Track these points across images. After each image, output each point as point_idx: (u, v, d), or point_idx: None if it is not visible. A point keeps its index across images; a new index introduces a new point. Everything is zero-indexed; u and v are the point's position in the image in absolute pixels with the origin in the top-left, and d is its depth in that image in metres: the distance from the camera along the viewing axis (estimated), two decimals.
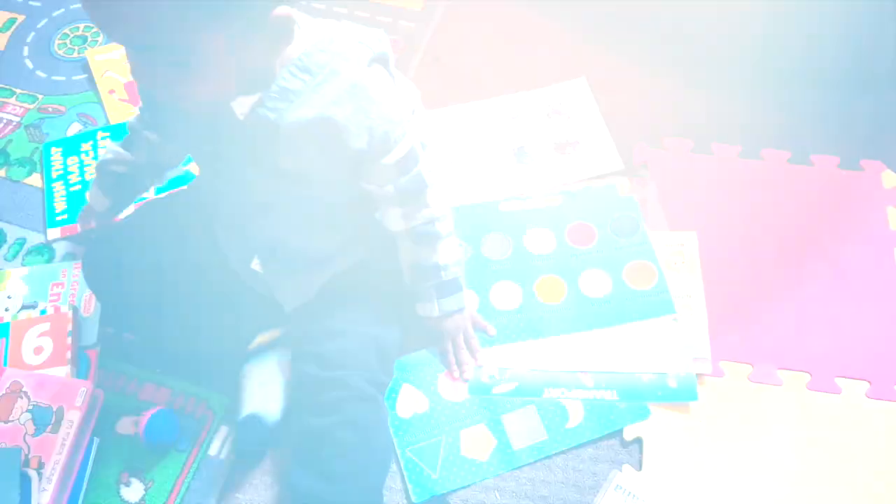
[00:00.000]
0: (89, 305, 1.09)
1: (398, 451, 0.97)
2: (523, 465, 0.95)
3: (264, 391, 0.97)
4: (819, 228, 1.11)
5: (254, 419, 0.95)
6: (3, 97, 1.34)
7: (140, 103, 1.01)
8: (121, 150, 1.03)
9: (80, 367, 1.04)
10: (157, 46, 0.71)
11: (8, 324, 1.06)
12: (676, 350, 1.01)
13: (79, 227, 1.12)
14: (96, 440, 0.98)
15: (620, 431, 0.97)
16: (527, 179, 1.19)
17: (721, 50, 1.24)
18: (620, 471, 0.94)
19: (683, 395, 0.98)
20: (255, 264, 0.97)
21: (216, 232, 0.99)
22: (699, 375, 0.99)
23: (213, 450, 0.98)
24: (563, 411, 0.98)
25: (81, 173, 1.23)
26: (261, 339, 1.02)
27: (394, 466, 0.96)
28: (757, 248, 1.10)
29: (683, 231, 1.11)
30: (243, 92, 0.79)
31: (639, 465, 0.95)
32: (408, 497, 0.94)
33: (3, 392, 0.97)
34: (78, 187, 1.21)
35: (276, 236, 0.94)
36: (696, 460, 0.95)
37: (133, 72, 0.76)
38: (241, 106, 0.79)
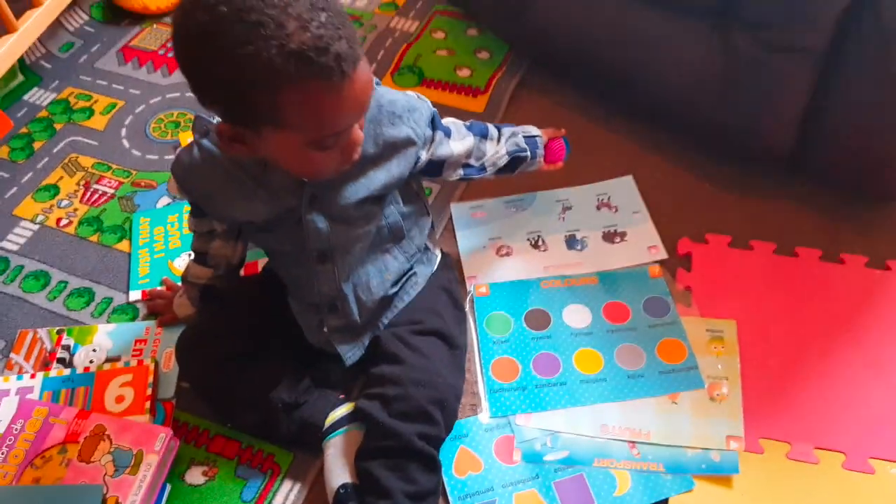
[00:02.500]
0: (169, 361, 1.17)
1: None
2: None
3: (349, 461, 1.00)
4: (851, 320, 1.18)
5: (349, 489, 0.98)
6: (101, 171, 1.47)
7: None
8: (200, 266, 1.11)
9: (157, 417, 1.11)
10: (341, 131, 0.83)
11: (93, 374, 1.14)
12: (713, 429, 1.06)
13: (145, 298, 1.25)
14: (168, 486, 1.04)
15: (666, 500, 1.01)
16: (575, 264, 1.28)
17: (755, 157, 1.35)
18: None
19: (726, 468, 1.03)
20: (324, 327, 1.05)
21: (291, 306, 1.07)
22: (741, 451, 1.04)
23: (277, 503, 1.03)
24: (612, 479, 1.03)
25: (166, 242, 1.33)
26: (333, 415, 1.05)
27: None
28: (794, 336, 1.17)
29: (723, 320, 1.19)
30: None
31: None
32: None
33: (88, 434, 1.04)
34: (161, 255, 1.32)
35: (338, 285, 1.02)
36: None
37: (302, 166, 0.86)
38: None
